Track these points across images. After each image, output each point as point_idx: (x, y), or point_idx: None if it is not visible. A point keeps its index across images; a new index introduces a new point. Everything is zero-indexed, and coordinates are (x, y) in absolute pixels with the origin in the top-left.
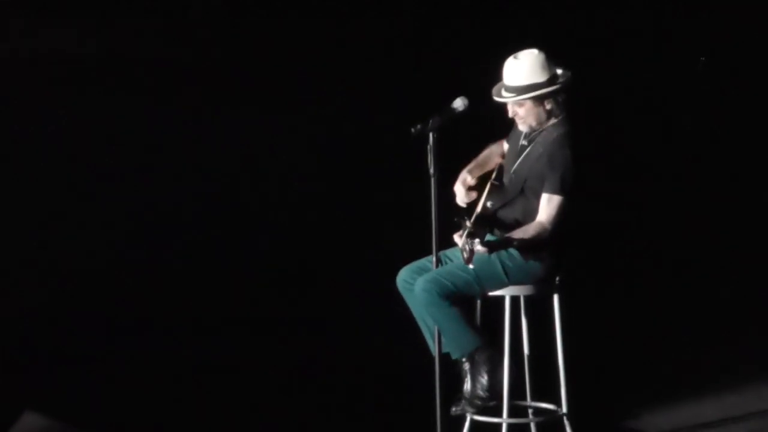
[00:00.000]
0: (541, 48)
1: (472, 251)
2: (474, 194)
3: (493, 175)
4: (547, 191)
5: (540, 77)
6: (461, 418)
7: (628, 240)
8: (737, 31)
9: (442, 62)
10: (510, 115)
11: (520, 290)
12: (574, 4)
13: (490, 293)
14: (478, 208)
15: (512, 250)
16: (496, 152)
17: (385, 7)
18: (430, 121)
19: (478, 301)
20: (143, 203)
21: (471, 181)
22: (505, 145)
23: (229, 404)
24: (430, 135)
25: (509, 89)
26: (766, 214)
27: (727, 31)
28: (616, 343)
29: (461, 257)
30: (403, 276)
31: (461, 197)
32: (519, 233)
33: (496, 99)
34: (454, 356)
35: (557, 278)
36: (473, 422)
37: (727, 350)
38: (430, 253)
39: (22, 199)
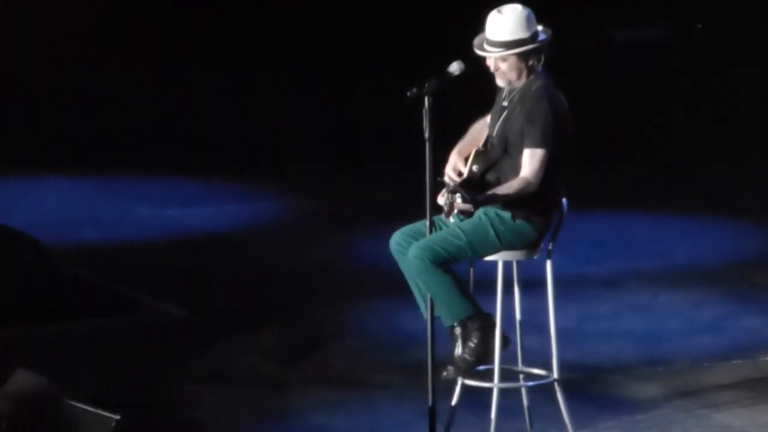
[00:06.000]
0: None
1: (452, 204)
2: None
3: (480, 144)
4: (528, 146)
5: (524, 33)
6: (453, 383)
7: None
8: None
9: (437, 25)
10: (492, 69)
11: (513, 255)
12: None
13: (483, 258)
14: (464, 172)
15: (503, 213)
16: (480, 128)
17: None
18: (426, 84)
19: (471, 269)
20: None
21: (461, 166)
22: (489, 118)
23: (221, 385)
24: (426, 98)
25: (493, 44)
26: None
27: None
28: (608, 307)
29: (443, 212)
30: (396, 239)
31: (451, 178)
32: (504, 189)
33: (480, 53)
34: (446, 323)
35: (550, 244)
36: (465, 387)
37: (723, 317)
38: (424, 216)
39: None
